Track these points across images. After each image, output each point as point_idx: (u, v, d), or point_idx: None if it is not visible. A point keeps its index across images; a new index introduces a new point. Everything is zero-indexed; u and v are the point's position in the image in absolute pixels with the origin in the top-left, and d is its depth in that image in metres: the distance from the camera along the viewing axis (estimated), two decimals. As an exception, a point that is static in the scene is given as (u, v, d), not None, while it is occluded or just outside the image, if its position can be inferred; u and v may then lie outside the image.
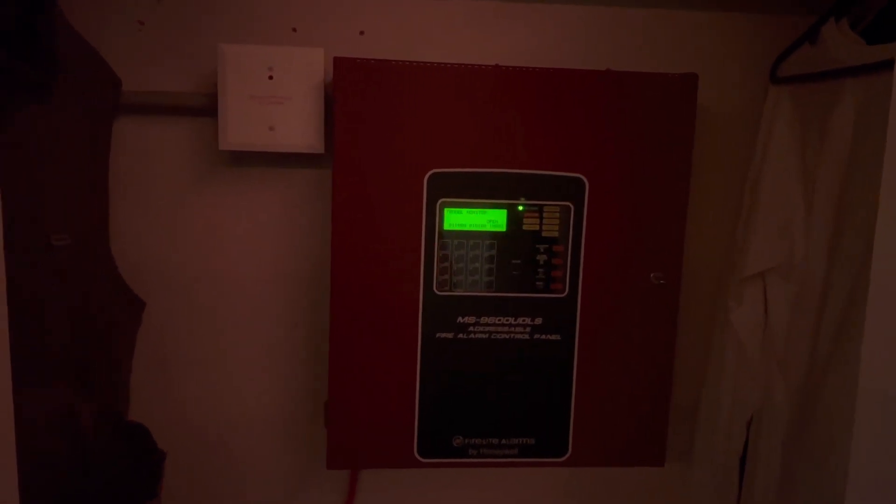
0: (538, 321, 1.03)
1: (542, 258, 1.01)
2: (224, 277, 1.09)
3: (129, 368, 1.07)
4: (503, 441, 1.05)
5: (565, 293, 1.02)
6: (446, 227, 0.99)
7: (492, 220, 1.00)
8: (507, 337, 1.03)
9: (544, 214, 1.01)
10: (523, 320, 1.03)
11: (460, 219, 1.00)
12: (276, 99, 1.00)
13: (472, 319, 1.02)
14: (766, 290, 1.10)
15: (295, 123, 1.01)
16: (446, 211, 0.99)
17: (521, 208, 1.00)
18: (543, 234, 1.01)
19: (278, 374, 1.13)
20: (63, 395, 0.91)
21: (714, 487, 1.18)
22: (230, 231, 1.08)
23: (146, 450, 0.94)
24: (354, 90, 0.96)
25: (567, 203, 1.01)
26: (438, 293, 1.01)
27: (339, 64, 0.95)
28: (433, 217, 0.99)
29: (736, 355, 1.13)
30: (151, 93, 1.03)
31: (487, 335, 1.02)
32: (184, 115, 1.05)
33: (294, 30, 1.06)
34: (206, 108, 1.02)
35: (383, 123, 0.96)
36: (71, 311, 0.93)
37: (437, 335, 1.01)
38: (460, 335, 1.02)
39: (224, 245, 1.08)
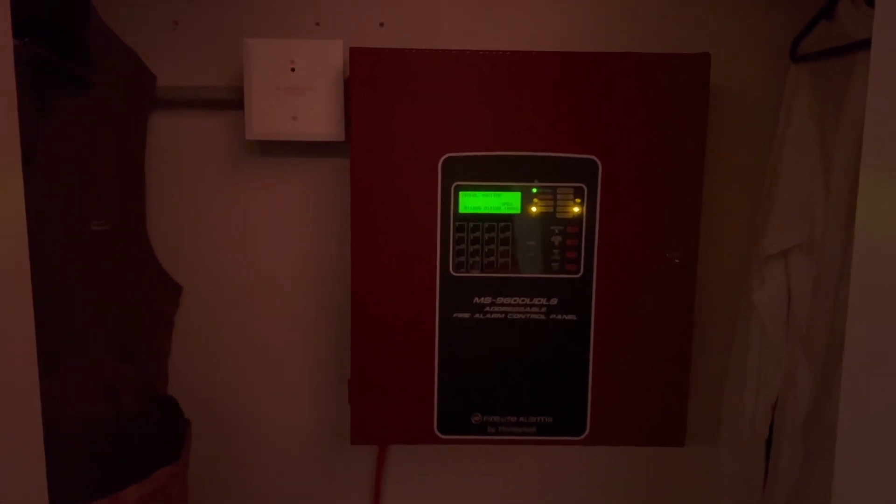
0: (554, 301, 1.05)
1: (556, 239, 1.03)
2: (253, 261, 1.15)
3: (168, 348, 1.14)
4: (521, 419, 1.07)
5: (580, 273, 1.04)
6: (462, 209, 1.02)
7: (506, 202, 1.03)
8: (524, 317, 1.05)
9: (558, 196, 1.03)
10: (539, 301, 1.05)
11: (475, 202, 1.02)
12: (299, 90, 1.05)
13: (488, 300, 1.04)
14: (788, 269, 1.09)
15: (317, 113, 1.06)
16: (461, 194, 1.02)
17: (535, 190, 1.02)
18: (558, 215, 1.03)
19: (305, 353, 1.18)
20: (104, 368, 0.98)
21: (740, 471, 1.17)
22: (258, 217, 1.14)
23: (175, 418, 1.00)
24: (370, 79, 0.99)
25: (581, 184, 1.02)
26: (455, 274, 1.04)
27: (355, 54, 0.99)
28: (448, 200, 1.02)
29: (759, 337, 1.12)
30: (184, 88, 1.09)
31: (504, 315, 1.05)
32: (214, 108, 1.11)
33: (317, 24, 1.11)
34: (234, 100, 1.08)
35: (398, 110, 1.00)
36: (111, 292, 1.00)
37: (455, 315, 1.04)
38: (477, 315, 1.05)
39: (253, 230, 1.14)
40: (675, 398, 1.08)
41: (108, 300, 1.00)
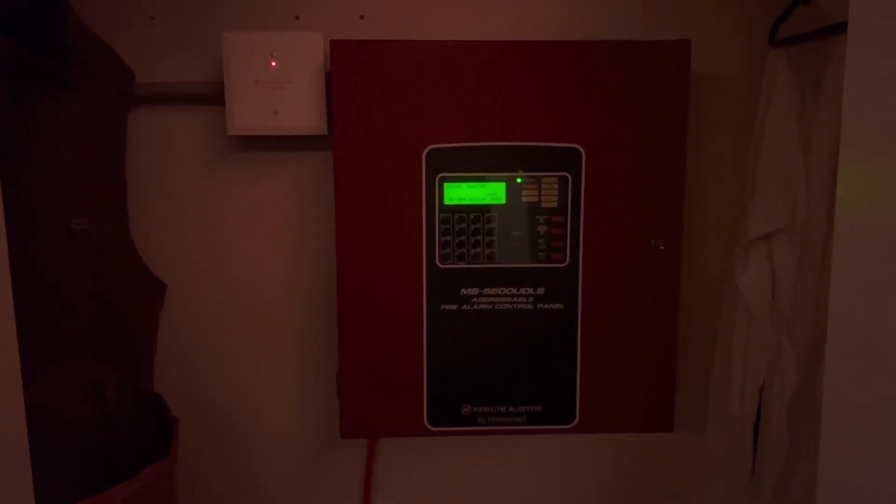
0: (540, 291, 1.05)
1: (542, 229, 1.03)
2: (238, 257, 1.14)
3: (154, 346, 1.13)
4: (511, 409, 1.07)
5: (566, 262, 1.04)
6: (446, 201, 1.02)
7: (491, 192, 1.03)
8: (511, 307, 1.05)
9: (543, 185, 1.03)
10: (526, 290, 1.05)
11: (460, 193, 1.02)
12: (280, 83, 1.04)
13: (475, 291, 1.04)
14: (771, 253, 1.10)
15: (298, 106, 1.05)
16: (446, 186, 1.02)
17: (519, 180, 1.02)
18: (543, 205, 1.03)
19: (292, 349, 1.17)
20: (88, 368, 0.97)
21: (729, 454, 1.18)
22: (242, 213, 1.13)
23: (161, 416, 0.99)
24: (351, 71, 0.99)
25: (565, 173, 1.02)
26: (441, 266, 1.03)
27: (336, 46, 0.99)
28: (433, 192, 1.02)
29: (744, 321, 1.13)
30: (163, 83, 1.08)
31: (491, 306, 1.05)
32: (194, 103, 1.10)
33: (297, 17, 1.10)
34: (214, 95, 1.07)
35: (381, 102, 1.00)
36: (93, 291, 0.99)
37: (442, 307, 1.04)
38: (464, 306, 1.05)
39: (237, 226, 1.13)
40: (663, 383, 1.08)
41: (90, 300, 0.99)
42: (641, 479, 1.25)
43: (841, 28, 0.92)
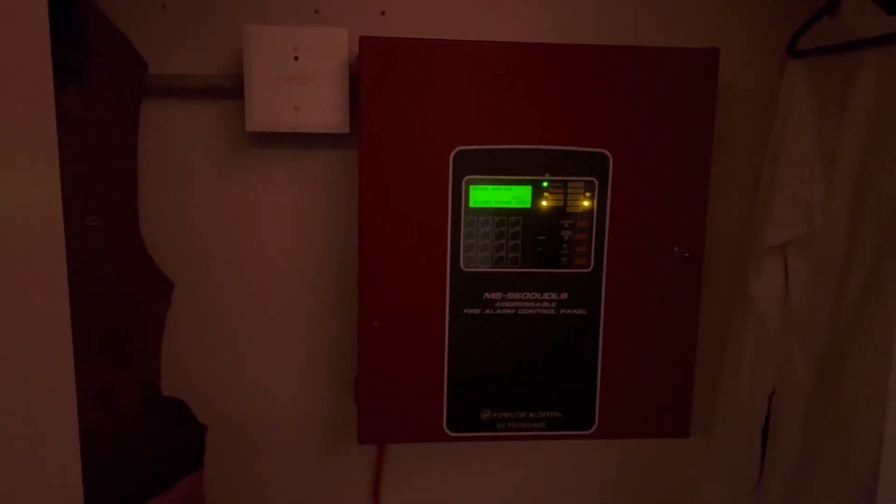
0: (564, 296, 1.04)
1: (566, 233, 1.03)
2: (252, 258, 1.10)
3: (160, 349, 1.08)
4: (530, 415, 1.06)
5: (590, 268, 1.04)
6: (472, 204, 1.01)
7: (517, 196, 1.01)
8: (534, 312, 1.04)
9: (569, 190, 1.02)
10: (549, 295, 1.04)
11: (486, 196, 1.01)
12: (302, 79, 1.01)
13: (498, 295, 1.03)
14: (786, 262, 1.11)
15: (320, 103, 1.02)
16: (472, 188, 1.00)
17: (545, 184, 1.01)
18: (568, 209, 1.02)
19: (304, 352, 1.14)
20: (99, 372, 0.92)
21: (735, 459, 1.20)
22: (258, 212, 1.09)
23: (186, 423, 0.96)
24: (380, 69, 0.96)
25: (591, 178, 1.02)
26: (465, 270, 1.02)
27: (365, 43, 0.96)
28: (459, 194, 1.00)
29: (755, 328, 1.14)
30: (178, 76, 1.04)
31: (514, 311, 1.04)
32: (210, 97, 1.06)
33: (316, 11, 1.07)
34: (231, 89, 1.03)
35: (409, 102, 0.97)
36: (106, 290, 0.95)
37: (465, 311, 1.03)
38: (487, 311, 1.03)
39: (252, 226, 1.09)
40: (681, 389, 1.09)
41: (102, 299, 0.94)
42: (650, 483, 1.26)
43: (872, 42, 0.93)
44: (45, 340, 0.52)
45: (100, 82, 0.94)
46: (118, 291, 0.98)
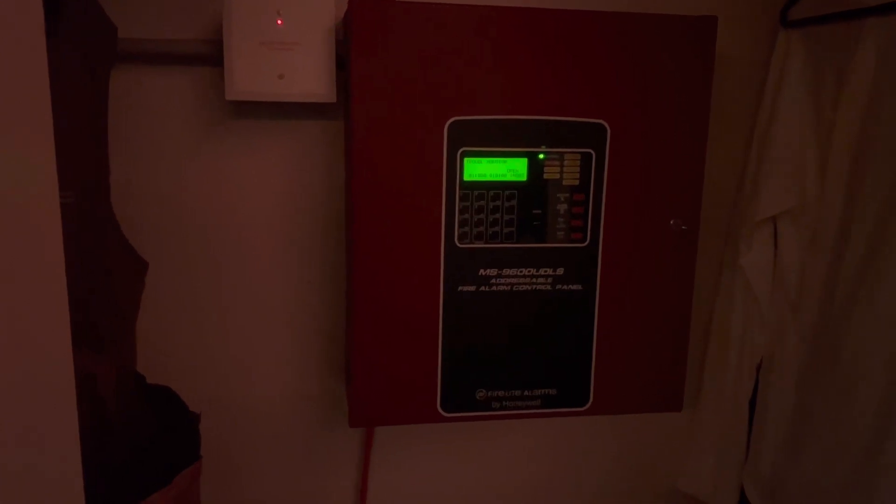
0: (560, 272, 1.02)
1: (562, 207, 1.00)
2: (233, 236, 1.05)
3: (134, 333, 1.02)
4: (525, 392, 1.04)
5: (586, 242, 1.01)
6: (466, 177, 0.97)
7: (512, 169, 0.98)
8: (529, 288, 1.01)
9: (565, 162, 0.99)
10: (545, 271, 1.01)
11: (481, 169, 0.97)
12: (286, 45, 0.95)
13: (493, 272, 1.00)
14: (776, 233, 1.11)
15: (305, 71, 0.97)
16: (466, 161, 0.96)
17: (541, 156, 0.98)
18: (564, 182, 0.99)
19: (287, 333, 1.10)
20: (81, 362, 0.86)
21: (722, 431, 1.20)
22: (238, 187, 1.03)
23: (177, 413, 0.90)
24: (371, 34, 0.91)
25: (588, 150, 0.99)
26: (460, 246, 0.98)
27: (355, 6, 0.90)
28: (454, 167, 0.96)
29: (745, 299, 1.14)
30: (152, 41, 0.97)
31: (509, 287, 1.01)
32: (187, 64, 0.99)
33: (299, -27, 1.01)
34: (210, 55, 0.97)
35: (402, 69, 0.92)
36: (80, 272, 0.88)
37: (459, 288, 0.99)
38: (482, 287, 1.00)
39: (232, 202, 1.04)
40: (675, 363, 1.08)
41: (76, 281, 0.88)
42: (641, 454, 1.26)
43: (874, 11, 0.92)
44: (43, 331, 0.47)
45: (63, 47, 0.87)
46: (93, 272, 0.92)
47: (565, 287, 1.02)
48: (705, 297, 1.20)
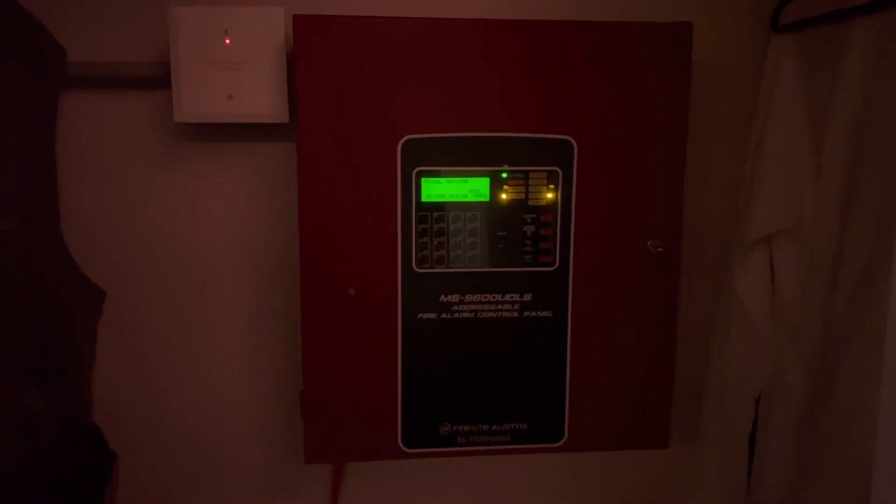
0: (527, 297, 0.95)
1: (529, 229, 0.94)
2: (189, 261, 1.02)
3: (92, 363, 1.00)
4: (494, 427, 0.98)
5: (556, 266, 0.95)
6: (424, 198, 0.92)
7: (473, 189, 0.92)
8: (495, 315, 0.95)
9: (530, 181, 0.93)
10: (511, 297, 0.95)
11: (439, 189, 0.92)
12: (235, 65, 0.92)
13: (455, 298, 0.94)
14: (772, 255, 1.03)
15: (256, 90, 0.93)
16: (423, 181, 0.91)
17: (504, 175, 0.92)
18: (530, 202, 0.93)
19: (252, 363, 1.06)
20: (16, 396, 0.84)
21: (722, 468, 1.12)
22: (191, 210, 1.01)
23: (96, 452, 0.87)
24: (317, 50, 0.87)
25: (554, 168, 0.93)
26: (418, 271, 0.93)
27: (300, 22, 0.87)
28: (409, 188, 0.91)
29: (742, 327, 1.06)
30: (101, 63, 0.95)
31: (473, 314, 0.95)
32: (136, 86, 0.97)
33: (254, -9, 0.98)
34: (160, 78, 0.94)
35: (351, 86, 0.88)
36: (23, 302, 0.86)
37: (419, 316, 0.94)
38: (444, 315, 0.94)
39: (185, 226, 1.01)
40: (658, 398, 1.00)
41: (17, 311, 0.86)
42: (632, 494, 1.17)
43: (861, 10, 0.84)
44: None
45: (7, 70, 0.85)
46: (39, 302, 0.89)
47: (534, 314, 0.96)
48: (703, 325, 1.12)
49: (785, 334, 1.02)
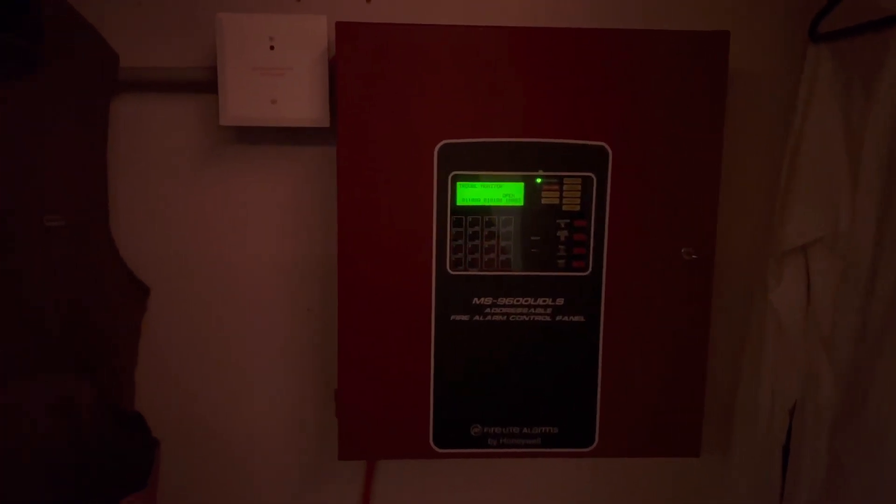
0: (560, 302, 0.96)
1: (562, 234, 0.95)
2: (230, 261, 1.04)
3: (135, 358, 1.03)
4: (524, 430, 0.98)
5: (589, 271, 0.95)
6: (459, 202, 0.93)
7: (508, 193, 0.94)
8: (527, 319, 0.96)
9: (565, 186, 0.94)
10: (544, 301, 0.96)
11: (474, 193, 0.93)
12: (279, 70, 0.95)
13: (488, 301, 0.95)
14: (808, 265, 1.02)
15: (298, 96, 0.96)
16: (459, 185, 0.93)
17: (539, 181, 0.94)
18: (564, 207, 0.94)
19: (288, 362, 1.08)
20: (62, 384, 0.87)
21: (755, 480, 1.11)
22: (234, 211, 1.03)
23: (139, 438, 0.90)
24: (358, 57, 0.90)
25: (589, 174, 0.94)
26: (452, 273, 0.94)
27: (342, 29, 0.89)
28: (445, 192, 0.93)
29: (776, 337, 1.05)
30: (150, 69, 0.99)
31: (506, 317, 0.96)
32: (184, 90, 1.00)
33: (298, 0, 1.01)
34: (206, 82, 0.98)
35: (390, 92, 0.91)
36: (69, 296, 0.90)
37: (452, 318, 0.95)
38: (476, 317, 0.96)
39: (228, 226, 1.04)
40: (690, 405, 1.00)
41: (65, 305, 0.89)
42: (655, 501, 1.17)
43: (899, 19, 0.84)
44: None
45: (63, 75, 0.90)
46: (85, 297, 0.93)
47: (566, 318, 0.96)
48: (736, 334, 1.11)
49: (820, 344, 1.01)
